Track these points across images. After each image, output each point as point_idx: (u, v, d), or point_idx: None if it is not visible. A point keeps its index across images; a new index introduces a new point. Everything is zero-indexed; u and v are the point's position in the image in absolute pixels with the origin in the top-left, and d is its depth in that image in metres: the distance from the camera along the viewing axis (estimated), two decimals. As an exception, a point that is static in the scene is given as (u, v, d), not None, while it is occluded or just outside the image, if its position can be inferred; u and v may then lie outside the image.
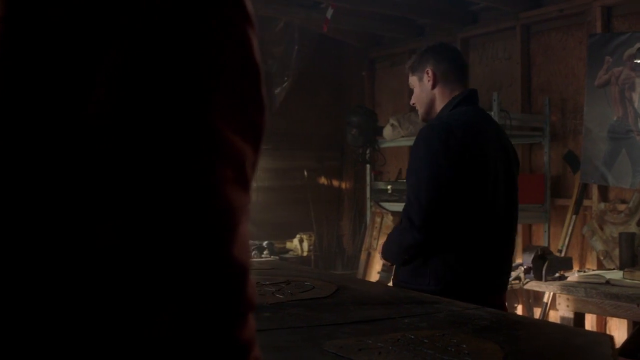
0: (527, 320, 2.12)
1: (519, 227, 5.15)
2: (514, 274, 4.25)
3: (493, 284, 2.70)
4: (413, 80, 2.87)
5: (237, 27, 0.62)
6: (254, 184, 6.44)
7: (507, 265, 2.82)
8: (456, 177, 2.56)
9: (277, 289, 2.24)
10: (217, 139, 0.59)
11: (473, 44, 5.74)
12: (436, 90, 2.81)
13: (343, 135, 5.95)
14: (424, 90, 2.82)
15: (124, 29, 0.57)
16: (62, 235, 0.55)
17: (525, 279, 4.17)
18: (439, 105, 2.80)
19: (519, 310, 5.18)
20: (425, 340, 1.62)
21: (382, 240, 3.28)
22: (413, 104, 2.91)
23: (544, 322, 3.30)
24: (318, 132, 6.75)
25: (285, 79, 6.25)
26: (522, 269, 4.18)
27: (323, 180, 6.93)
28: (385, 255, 2.81)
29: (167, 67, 0.57)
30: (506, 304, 2.86)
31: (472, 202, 2.60)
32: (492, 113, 4.65)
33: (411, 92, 2.93)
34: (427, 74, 2.81)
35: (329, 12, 5.29)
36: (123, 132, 0.56)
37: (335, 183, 7.00)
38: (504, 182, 2.71)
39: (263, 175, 6.49)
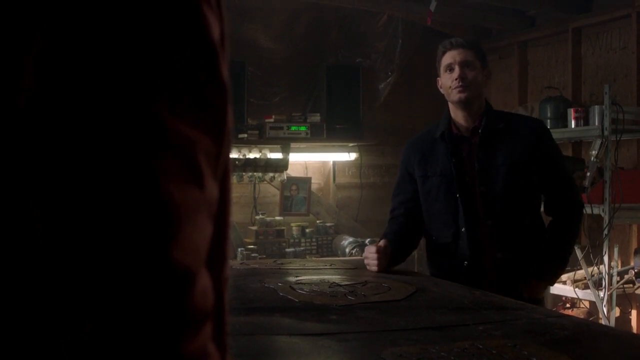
0: (614, 332, 1.95)
1: (633, 228, 4.85)
2: (625, 278, 3.98)
3: None
4: (476, 62, 2.80)
5: (186, 3, 0.55)
6: (358, 181, 6.48)
7: None
8: None
9: (351, 290, 2.16)
10: (154, 126, 0.52)
11: (585, 34, 5.43)
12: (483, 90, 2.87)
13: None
14: (483, 81, 2.83)
15: (51, 11, 0.52)
16: None
17: (637, 283, 3.90)
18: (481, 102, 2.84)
19: (634, 317, 4.86)
20: (493, 351, 1.51)
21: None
22: (463, 77, 2.79)
23: (634, 334, 3.06)
24: (424, 128, 6.58)
25: (390, 73, 6.12)
26: (633, 272, 3.91)
27: (429, 176, 6.74)
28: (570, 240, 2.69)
29: (96, 49, 0.51)
30: None
31: None
32: (603, 107, 4.39)
33: (463, 66, 2.82)
34: (489, 73, 2.89)
35: (432, 5, 5.12)
36: (48, 126, 0.51)
37: (442, 179, 6.80)
38: None
39: (368, 172, 6.40)
